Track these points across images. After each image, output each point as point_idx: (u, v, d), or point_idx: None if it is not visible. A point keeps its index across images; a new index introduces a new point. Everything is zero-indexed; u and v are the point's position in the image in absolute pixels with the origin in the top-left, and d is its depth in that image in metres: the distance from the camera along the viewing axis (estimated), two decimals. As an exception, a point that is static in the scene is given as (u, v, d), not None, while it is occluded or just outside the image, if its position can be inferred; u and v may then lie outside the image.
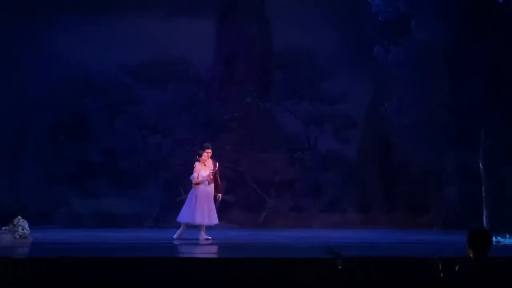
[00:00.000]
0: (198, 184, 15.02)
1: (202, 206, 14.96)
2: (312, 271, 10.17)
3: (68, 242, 14.33)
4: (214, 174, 15.14)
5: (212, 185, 15.15)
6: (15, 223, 14.46)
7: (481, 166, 16.94)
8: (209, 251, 13.58)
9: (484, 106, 17.35)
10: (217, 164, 15.28)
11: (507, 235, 14.55)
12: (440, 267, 10.15)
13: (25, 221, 14.54)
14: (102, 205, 19.56)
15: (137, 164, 20.10)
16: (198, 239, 14.91)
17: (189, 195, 15.22)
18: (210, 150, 15.27)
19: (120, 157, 20.13)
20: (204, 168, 15.11)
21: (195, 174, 15.08)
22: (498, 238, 14.59)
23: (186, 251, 13.47)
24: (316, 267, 10.20)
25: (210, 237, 14.99)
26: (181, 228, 15.26)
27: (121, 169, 20.04)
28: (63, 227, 18.55)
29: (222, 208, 19.57)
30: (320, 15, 19.44)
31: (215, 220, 15.11)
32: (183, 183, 19.82)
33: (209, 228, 15.27)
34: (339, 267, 9.87)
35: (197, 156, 15.27)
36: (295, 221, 19.29)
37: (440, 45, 17.83)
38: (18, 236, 14.41)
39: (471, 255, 7.23)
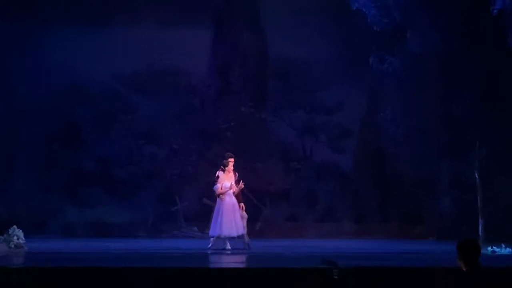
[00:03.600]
0: (222, 194, 14.97)
1: (228, 218, 14.84)
2: (308, 281, 10.16)
3: (63, 252, 14.28)
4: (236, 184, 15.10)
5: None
6: (10, 232, 14.44)
7: (476, 176, 16.96)
8: (206, 261, 13.54)
9: (479, 116, 17.38)
10: (237, 174, 15.20)
11: (503, 245, 14.56)
12: (434, 277, 10.17)
13: (20, 230, 14.51)
14: (96, 214, 19.52)
15: (132, 173, 20.06)
16: (225, 249, 14.86)
17: (216, 207, 15.11)
18: (232, 159, 15.20)
19: (114, 166, 20.10)
20: (228, 178, 15.06)
21: (218, 185, 15.00)
22: (494, 248, 14.60)
23: (181, 261, 13.39)
24: (312, 277, 10.19)
25: (230, 248, 14.94)
26: (218, 241, 15.05)
27: (116, 178, 20.00)
28: (57, 236, 18.48)
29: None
30: (316, 26, 19.47)
31: (240, 230, 14.97)
32: (178, 192, 19.90)
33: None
34: (335, 277, 9.87)
35: (221, 166, 15.15)
36: (290, 230, 19.29)
37: (434, 56, 17.88)
38: (13, 246, 14.38)
39: (462, 267, 7.24)
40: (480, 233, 16.40)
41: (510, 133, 17.18)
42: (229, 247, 14.90)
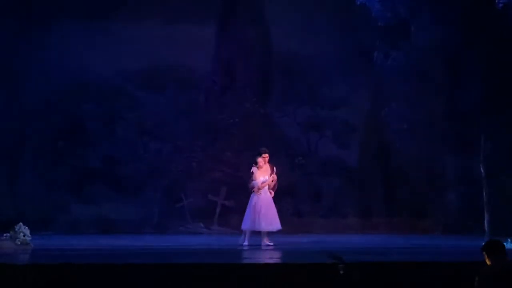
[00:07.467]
0: (259, 189, 14.96)
1: (265, 212, 14.87)
2: (313, 276, 10.18)
3: (69, 249, 14.29)
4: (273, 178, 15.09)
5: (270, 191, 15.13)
6: (16, 229, 14.44)
7: (482, 170, 16.95)
8: (210, 257, 13.54)
9: (484, 110, 17.38)
10: (274, 168, 15.15)
11: (509, 240, 14.56)
12: (441, 272, 10.18)
13: (26, 227, 14.51)
14: (102, 211, 19.51)
15: (137, 170, 20.05)
16: (260, 245, 14.91)
17: (250, 202, 15.10)
18: (267, 155, 15.17)
19: (119, 163, 20.09)
20: (263, 174, 15.04)
21: (256, 181, 15.01)
22: (500, 242, 14.58)
23: (187, 257, 13.42)
24: (317, 273, 10.21)
25: (272, 243, 14.98)
26: (246, 235, 15.09)
27: (121, 175, 19.99)
28: (63, 233, 18.51)
29: (222, 213, 19.62)
30: (320, 21, 19.45)
31: (278, 225, 15.03)
32: (183, 188, 19.91)
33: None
34: (341, 272, 9.88)
35: (254, 164, 15.16)
36: (296, 226, 19.26)
37: (439, 50, 17.87)
38: (19, 243, 14.38)
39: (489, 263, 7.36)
40: (485, 228, 16.41)
41: (515, 127, 17.18)
42: (270, 243, 14.94)
